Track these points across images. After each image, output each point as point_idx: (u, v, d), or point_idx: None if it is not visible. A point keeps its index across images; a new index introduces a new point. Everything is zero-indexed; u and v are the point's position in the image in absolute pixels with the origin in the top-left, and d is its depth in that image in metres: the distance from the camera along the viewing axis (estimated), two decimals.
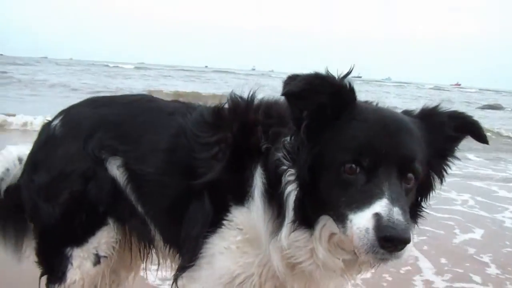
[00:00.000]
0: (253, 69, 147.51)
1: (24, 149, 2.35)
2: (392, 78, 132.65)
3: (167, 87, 21.61)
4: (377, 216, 1.42)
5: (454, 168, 5.83)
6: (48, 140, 2.28)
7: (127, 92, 18.76)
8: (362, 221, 1.45)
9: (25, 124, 10.74)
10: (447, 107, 1.77)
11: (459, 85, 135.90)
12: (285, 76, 1.67)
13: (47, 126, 2.32)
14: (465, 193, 6.52)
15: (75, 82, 23.67)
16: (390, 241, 1.39)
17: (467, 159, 9.05)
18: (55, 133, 2.25)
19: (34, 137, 2.38)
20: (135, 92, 18.82)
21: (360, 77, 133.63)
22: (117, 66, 62.33)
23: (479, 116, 21.30)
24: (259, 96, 2.03)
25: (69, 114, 2.31)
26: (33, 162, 2.27)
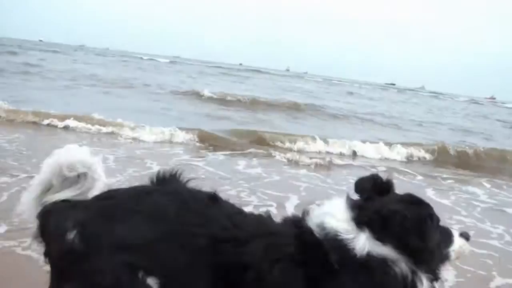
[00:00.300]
0: (288, 70, 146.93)
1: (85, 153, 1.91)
2: (426, 87, 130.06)
3: (212, 87, 21.09)
4: None
5: (485, 197, 6.29)
6: None
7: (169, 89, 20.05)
8: None
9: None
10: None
11: (494, 98, 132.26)
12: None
13: None
14: (499, 224, 6.33)
15: (108, 75, 23.90)
16: None
17: (498, 186, 8.78)
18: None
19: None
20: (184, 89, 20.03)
21: (394, 84, 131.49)
22: (152, 59, 63.15)
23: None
24: None
25: None
26: None
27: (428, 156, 11.15)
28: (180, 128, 9.63)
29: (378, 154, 10.43)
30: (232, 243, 1.71)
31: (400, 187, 2.03)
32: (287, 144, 10.11)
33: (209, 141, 9.47)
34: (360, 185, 1.99)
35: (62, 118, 9.61)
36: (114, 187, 2.00)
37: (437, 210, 1.93)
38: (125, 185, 2.27)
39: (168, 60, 68.33)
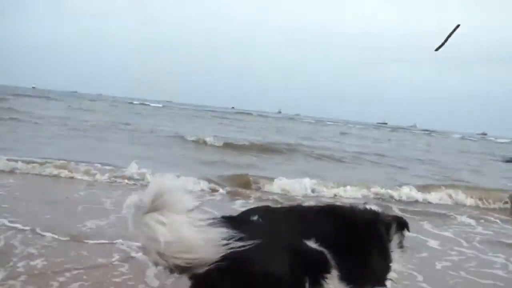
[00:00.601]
0: (279, 112, 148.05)
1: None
2: (418, 125, 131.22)
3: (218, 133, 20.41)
4: None
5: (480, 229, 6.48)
6: None
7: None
8: None
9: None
10: None
11: (485, 134, 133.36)
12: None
13: None
14: (499, 253, 5.90)
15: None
16: None
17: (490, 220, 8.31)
18: None
19: None
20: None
21: (386, 123, 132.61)
22: (144, 104, 63.35)
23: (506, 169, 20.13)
24: None
25: None
26: None
27: None
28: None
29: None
30: None
31: None
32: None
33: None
34: None
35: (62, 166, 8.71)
36: None
37: None
38: None
39: (161, 105, 68.69)
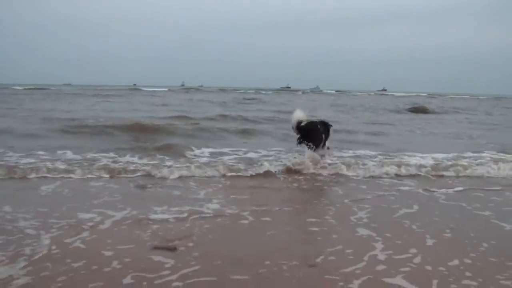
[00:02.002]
0: (183, 85, 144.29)
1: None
2: (320, 87, 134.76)
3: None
4: None
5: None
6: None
7: None
8: None
9: None
10: None
11: (385, 90, 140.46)
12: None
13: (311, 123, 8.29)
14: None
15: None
16: None
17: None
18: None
19: None
20: None
21: (289, 87, 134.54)
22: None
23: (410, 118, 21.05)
24: None
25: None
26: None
27: None
28: None
29: None
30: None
31: None
32: None
33: None
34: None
35: None
36: None
37: None
38: None
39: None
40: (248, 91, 75.67)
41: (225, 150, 9.64)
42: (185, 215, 5.03)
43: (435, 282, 3.43)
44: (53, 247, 3.95)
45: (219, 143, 10.79)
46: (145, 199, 5.76)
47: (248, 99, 38.49)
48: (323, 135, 8.30)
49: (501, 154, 9.93)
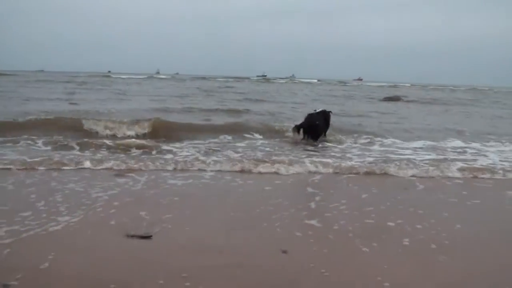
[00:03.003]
0: (158, 73, 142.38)
1: None
2: (296, 76, 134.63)
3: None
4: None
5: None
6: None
7: None
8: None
9: None
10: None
11: (361, 79, 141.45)
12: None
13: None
14: None
15: None
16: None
17: None
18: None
19: None
20: None
21: (265, 76, 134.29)
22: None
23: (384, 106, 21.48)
24: None
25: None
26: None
27: None
28: None
29: None
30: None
31: None
32: None
33: None
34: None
35: None
36: None
37: None
38: None
39: None
40: (221, 79, 74.55)
41: None
42: None
43: None
44: None
45: None
46: None
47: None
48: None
49: None
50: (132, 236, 4.06)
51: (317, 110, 10.89)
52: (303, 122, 10.36)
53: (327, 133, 10.78)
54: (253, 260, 3.69)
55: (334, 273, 3.49)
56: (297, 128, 10.18)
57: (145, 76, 68.16)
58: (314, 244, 4.06)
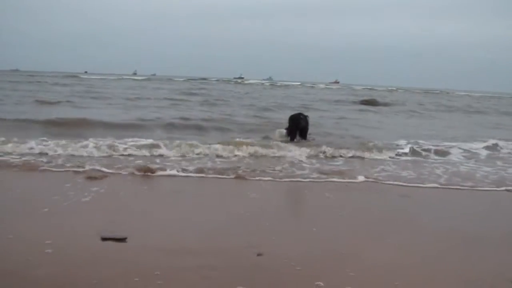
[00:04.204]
0: (135, 73, 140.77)
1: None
2: (274, 78, 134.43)
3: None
4: None
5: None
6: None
7: None
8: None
9: None
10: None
11: (338, 82, 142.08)
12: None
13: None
14: None
15: None
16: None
17: None
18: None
19: None
20: None
21: (242, 78, 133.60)
22: None
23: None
24: None
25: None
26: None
27: None
28: None
29: None
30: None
31: None
32: None
33: None
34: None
35: None
36: None
37: None
38: None
39: None
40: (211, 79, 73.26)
41: None
42: None
43: None
44: None
45: None
46: None
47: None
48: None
49: None
50: (107, 239, 4.04)
51: (294, 114, 11.61)
52: (295, 124, 11.21)
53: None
54: (228, 262, 3.72)
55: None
56: (289, 131, 11.17)
57: (115, 77, 65.71)
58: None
